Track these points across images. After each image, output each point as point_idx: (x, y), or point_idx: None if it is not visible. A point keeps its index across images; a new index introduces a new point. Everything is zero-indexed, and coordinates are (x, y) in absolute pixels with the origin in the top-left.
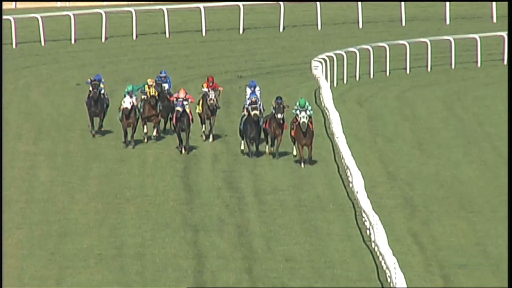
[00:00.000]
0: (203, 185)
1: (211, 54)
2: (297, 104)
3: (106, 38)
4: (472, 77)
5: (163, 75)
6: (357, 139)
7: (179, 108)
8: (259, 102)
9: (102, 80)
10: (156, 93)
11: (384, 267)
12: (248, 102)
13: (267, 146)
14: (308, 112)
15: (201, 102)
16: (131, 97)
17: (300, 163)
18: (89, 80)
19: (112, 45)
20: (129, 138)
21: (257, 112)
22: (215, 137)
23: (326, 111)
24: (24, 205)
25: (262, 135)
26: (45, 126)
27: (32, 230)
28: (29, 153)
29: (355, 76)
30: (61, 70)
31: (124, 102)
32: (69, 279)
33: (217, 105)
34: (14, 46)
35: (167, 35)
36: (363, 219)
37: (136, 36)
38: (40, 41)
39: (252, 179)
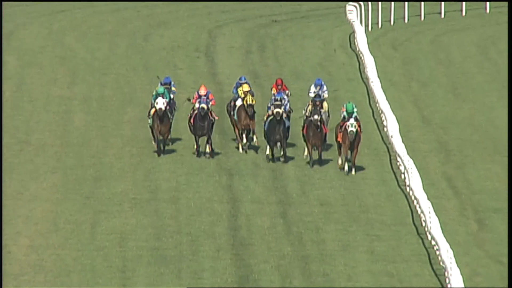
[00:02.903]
0: None
1: None
2: (345, 109)
3: None
4: (506, 21)
5: (243, 81)
6: (392, 84)
7: (203, 105)
8: (285, 102)
9: (173, 82)
10: (254, 102)
11: (419, 211)
12: (272, 101)
13: (305, 154)
14: (354, 120)
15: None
16: (163, 98)
17: (349, 170)
18: (160, 85)
19: None
20: (161, 146)
21: (280, 110)
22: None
23: (361, 55)
24: (58, 149)
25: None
26: (80, 71)
27: (66, 174)
28: (63, 98)
29: (390, 21)
30: (96, 15)
31: (157, 103)
32: (104, 223)
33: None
34: None
35: None
36: (398, 163)
37: None
38: None
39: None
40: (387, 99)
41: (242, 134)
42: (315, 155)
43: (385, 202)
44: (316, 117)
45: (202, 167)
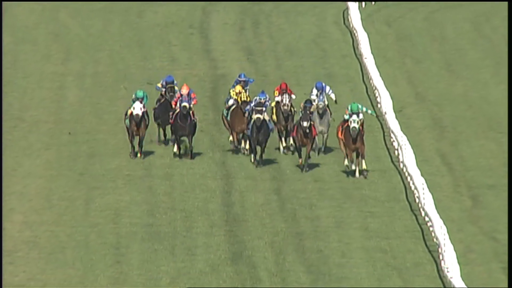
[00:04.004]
0: None
1: None
2: (349, 109)
3: None
4: None
5: (243, 78)
6: (386, 60)
7: (185, 104)
8: (267, 103)
9: (175, 82)
10: (249, 99)
11: (413, 188)
12: (253, 103)
13: (300, 159)
14: (360, 116)
15: (274, 110)
16: (141, 103)
17: (354, 173)
18: (159, 86)
19: None
20: (136, 148)
21: (260, 116)
22: None
23: (355, 32)
24: (52, 126)
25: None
26: (74, 47)
27: (60, 150)
28: (57, 74)
29: None
30: None
31: (134, 108)
32: (98, 200)
33: (292, 111)
34: None
35: None
36: (392, 140)
37: None
38: None
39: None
40: (380, 75)
41: (239, 139)
42: (304, 158)
43: (379, 179)
44: (305, 124)
45: (196, 143)
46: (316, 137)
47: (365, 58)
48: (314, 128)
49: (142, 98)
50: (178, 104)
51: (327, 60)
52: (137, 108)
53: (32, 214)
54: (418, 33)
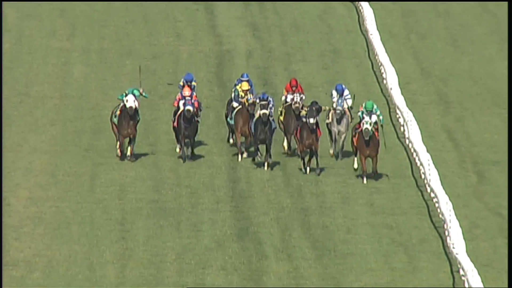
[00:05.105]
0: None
1: None
2: (364, 106)
3: None
4: None
5: (245, 78)
6: (391, 36)
7: (189, 108)
8: (271, 103)
9: (194, 78)
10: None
11: (418, 164)
12: (257, 99)
13: (301, 162)
14: (373, 118)
15: (283, 111)
16: (134, 96)
17: (363, 178)
18: (180, 84)
19: None
20: (126, 150)
21: (266, 112)
22: None
23: (360, 7)
24: (58, 102)
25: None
26: (79, 23)
27: (66, 126)
28: (63, 50)
29: None
30: None
31: (127, 100)
32: (103, 176)
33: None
34: None
35: None
36: (397, 116)
37: None
38: None
39: (286, 75)
40: (386, 51)
41: (242, 143)
42: (307, 159)
43: (385, 154)
44: (311, 120)
45: (201, 119)
46: (334, 137)
47: (371, 34)
48: (319, 129)
49: (133, 93)
50: (180, 105)
51: (333, 36)
52: (131, 101)
53: (38, 190)
54: (423, 8)
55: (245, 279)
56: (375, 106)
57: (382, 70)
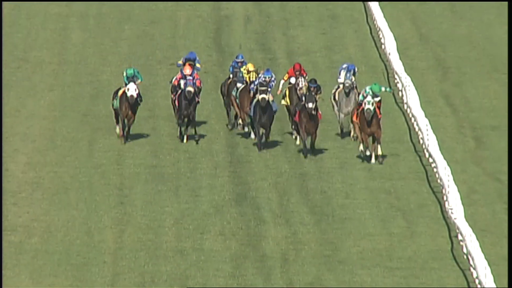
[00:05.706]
0: (235, 46)
1: None
2: (366, 90)
3: None
4: None
5: (240, 59)
6: (389, 1)
7: (190, 88)
8: (272, 83)
9: (197, 58)
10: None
11: (416, 129)
12: (257, 81)
13: (297, 140)
14: (377, 98)
15: (287, 93)
16: (134, 83)
17: (370, 159)
18: (180, 63)
19: None
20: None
21: (266, 96)
22: None
23: None
24: (56, 67)
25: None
26: None
27: (64, 91)
28: (61, 15)
29: None
30: None
31: (128, 89)
32: (101, 141)
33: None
34: None
35: None
36: (396, 81)
37: None
38: None
39: (285, 40)
40: (384, 16)
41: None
42: (309, 143)
43: (383, 120)
44: (310, 105)
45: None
46: (342, 118)
47: None
48: (320, 112)
49: (134, 76)
50: (182, 85)
51: (331, 1)
52: (132, 89)
53: (36, 155)
54: None
55: (243, 244)
56: (382, 89)
57: (381, 35)
